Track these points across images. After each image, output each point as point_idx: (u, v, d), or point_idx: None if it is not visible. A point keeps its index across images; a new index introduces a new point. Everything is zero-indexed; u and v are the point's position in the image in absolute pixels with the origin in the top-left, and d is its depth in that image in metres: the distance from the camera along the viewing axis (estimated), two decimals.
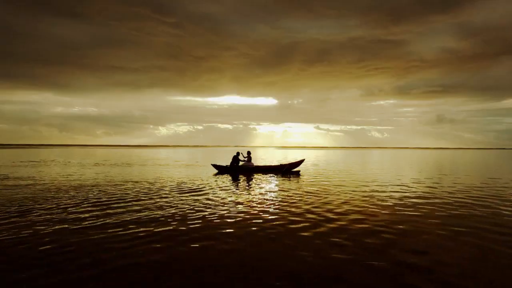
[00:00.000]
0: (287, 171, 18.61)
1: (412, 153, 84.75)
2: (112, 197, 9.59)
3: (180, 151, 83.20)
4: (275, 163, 26.10)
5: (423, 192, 11.22)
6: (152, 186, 12.12)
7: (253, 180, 14.83)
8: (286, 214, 7.48)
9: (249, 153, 19.04)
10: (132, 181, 13.70)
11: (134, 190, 11.03)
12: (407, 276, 4.07)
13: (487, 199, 9.79)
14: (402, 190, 11.59)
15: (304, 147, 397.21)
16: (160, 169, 20.90)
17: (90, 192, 10.55)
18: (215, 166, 19.31)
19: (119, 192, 10.67)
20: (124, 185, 12.51)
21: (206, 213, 7.60)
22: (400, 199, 9.74)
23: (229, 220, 6.89)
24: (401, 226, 6.45)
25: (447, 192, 11.22)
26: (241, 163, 18.57)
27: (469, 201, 9.48)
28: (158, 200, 9.26)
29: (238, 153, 18.96)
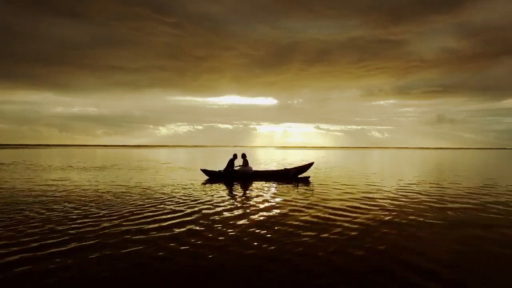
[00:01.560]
0: (293, 176, 15.10)
1: (413, 153, 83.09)
2: (30, 217, 6.08)
3: (179, 151, 79.84)
4: (275, 165, 22.59)
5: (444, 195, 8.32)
6: (109, 202, 8.60)
7: (252, 189, 11.47)
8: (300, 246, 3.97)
9: (244, 155, 15.42)
10: (80, 195, 10.15)
11: (70, 209, 7.50)
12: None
13: (490, 200, 9.64)
14: (419, 193, 9.54)
15: (304, 147, 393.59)
16: (137, 175, 17.30)
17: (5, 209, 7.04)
18: (205, 171, 15.56)
19: (52, 209, 7.14)
20: (68, 197, 8.98)
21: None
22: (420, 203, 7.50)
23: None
24: None
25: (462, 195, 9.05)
26: (236, 167, 15.05)
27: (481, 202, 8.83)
28: (96, 232, 5.73)
29: (235, 156, 15.40)
